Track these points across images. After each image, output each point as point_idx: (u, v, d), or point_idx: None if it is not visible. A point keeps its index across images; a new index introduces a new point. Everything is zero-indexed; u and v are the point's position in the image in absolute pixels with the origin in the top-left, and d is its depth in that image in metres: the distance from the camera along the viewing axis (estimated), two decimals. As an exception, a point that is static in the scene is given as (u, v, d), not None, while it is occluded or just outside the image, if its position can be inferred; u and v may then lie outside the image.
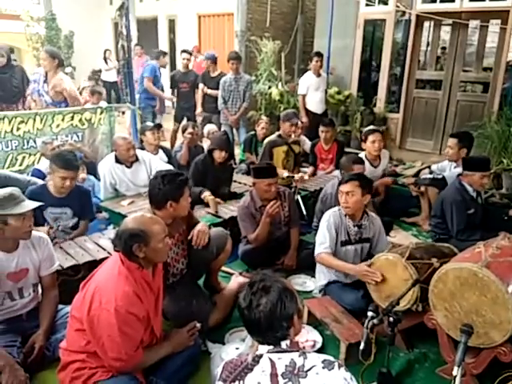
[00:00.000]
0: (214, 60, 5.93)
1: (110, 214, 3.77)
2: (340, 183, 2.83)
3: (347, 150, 5.55)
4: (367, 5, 6.76)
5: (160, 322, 2.12)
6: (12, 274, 2.24)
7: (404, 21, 6.77)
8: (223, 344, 2.38)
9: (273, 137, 4.73)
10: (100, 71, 10.26)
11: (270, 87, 6.97)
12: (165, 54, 6.77)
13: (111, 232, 3.20)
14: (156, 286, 2.08)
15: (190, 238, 2.58)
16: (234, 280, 2.88)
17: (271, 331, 1.39)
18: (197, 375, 2.20)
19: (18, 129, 4.09)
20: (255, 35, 7.49)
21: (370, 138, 4.18)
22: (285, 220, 3.34)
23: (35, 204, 2.23)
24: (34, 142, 4.16)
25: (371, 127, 4.71)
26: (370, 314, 2.03)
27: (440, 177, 4.03)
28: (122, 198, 3.91)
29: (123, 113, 6.89)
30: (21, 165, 4.13)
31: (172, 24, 10.21)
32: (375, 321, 2.00)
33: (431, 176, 4.18)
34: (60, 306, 2.43)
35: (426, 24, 7.07)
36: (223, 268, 3.05)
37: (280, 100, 6.83)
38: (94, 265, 2.69)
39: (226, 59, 5.69)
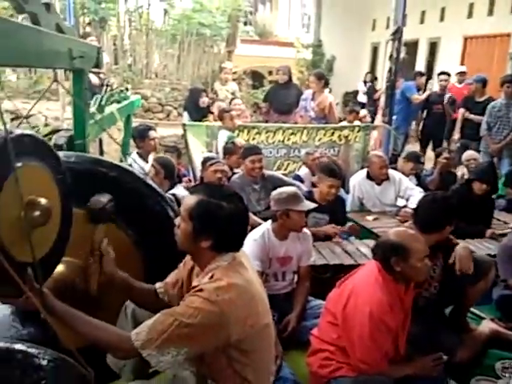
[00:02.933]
0: (484, 83, 5.48)
1: (354, 225, 3.94)
2: None
3: None
4: None
5: (404, 340, 2.09)
6: (280, 259, 2.63)
7: None
8: (467, 388, 2.18)
9: (550, 173, 4.02)
10: (352, 93, 10.87)
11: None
12: (422, 74, 6.73)
13: (357, 242, 3.36)
14: (406, 304, 2.07)
15: (451, 262, 2.46)
16: (486, 325, 2.59)
17: None
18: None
19: (289, 139, 4.77)
20: (537, 56, 6.53)
21: None
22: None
23: (312, 205, 2.56)
24: (299, 151, 4.76)
25: None
26: None
27: None
28: (366, 212, 4.05)
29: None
30: (285, 170, 4.78)
31: (433, 47, 9.93)
32: None
33: None
34: (309, 298, 2.69)
35: None
36: (472, 309, 2.78)
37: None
38: (340, 268, 2.88)
39: (500, 82, 5.15)
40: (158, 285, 1.72)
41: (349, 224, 3.39)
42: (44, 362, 1.03)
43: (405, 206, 3.93)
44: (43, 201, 1.39)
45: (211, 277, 1.42)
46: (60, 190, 1.53)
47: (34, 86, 7.21)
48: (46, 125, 5.13)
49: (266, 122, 5.70)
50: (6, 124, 1.28)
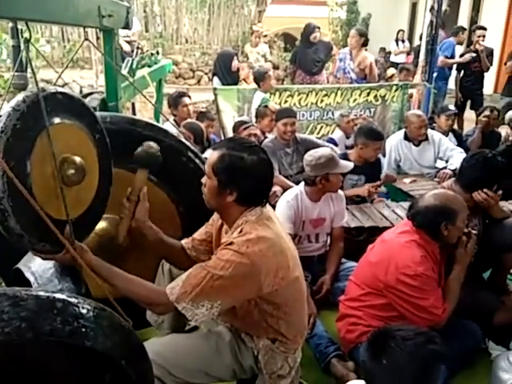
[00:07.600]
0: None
1: (389, 188, 3.83)
2: None
3: None
4: None
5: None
6: (314, 221, 2.60)
7: None
8: (507, 349, 2.13)
9: None
10: (389, 53, 10.37)
11: None
12: (464, 30, 6.31)
13: (393, 205, 3.27)
14: (441, 267, 1.99)
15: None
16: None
17: None
18: (472, 371, 2.07)
19: (322, 101, 4.62)
20: None
21: None
22: None
23: (352, 165, 2.50)
24: (332, 113, 4.61)
25: None
26: None
27: None
28: (403, 175, 3.93)
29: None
30: (318, 133, 4.66)
31: (477, 1, 9.26)
32: None
33: None
34: (343, 260, 2.67)
35: None
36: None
37: None
38: (375, 231, 2.83)
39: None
40: (184, 241, 1.72)
41: (383, 174, 3.41)
42: (84, 311, 1.05)
43: (444, 168, 3.79)
44: (77, 159, 1.40)
45: (240, 231, 1.43)
46: (98, 150, 1.53)
47: (67, 55, 7.30)
48: (81, 92, 5.22)
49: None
50: (37, 81, 1.29)
